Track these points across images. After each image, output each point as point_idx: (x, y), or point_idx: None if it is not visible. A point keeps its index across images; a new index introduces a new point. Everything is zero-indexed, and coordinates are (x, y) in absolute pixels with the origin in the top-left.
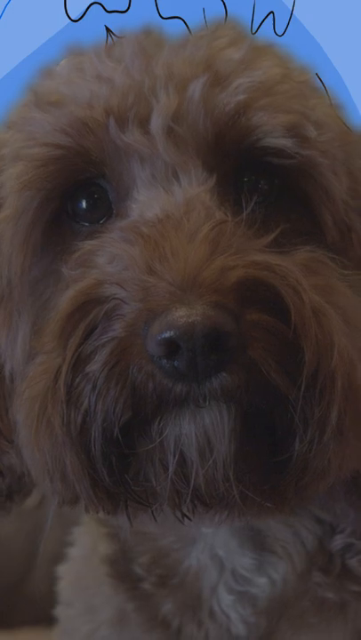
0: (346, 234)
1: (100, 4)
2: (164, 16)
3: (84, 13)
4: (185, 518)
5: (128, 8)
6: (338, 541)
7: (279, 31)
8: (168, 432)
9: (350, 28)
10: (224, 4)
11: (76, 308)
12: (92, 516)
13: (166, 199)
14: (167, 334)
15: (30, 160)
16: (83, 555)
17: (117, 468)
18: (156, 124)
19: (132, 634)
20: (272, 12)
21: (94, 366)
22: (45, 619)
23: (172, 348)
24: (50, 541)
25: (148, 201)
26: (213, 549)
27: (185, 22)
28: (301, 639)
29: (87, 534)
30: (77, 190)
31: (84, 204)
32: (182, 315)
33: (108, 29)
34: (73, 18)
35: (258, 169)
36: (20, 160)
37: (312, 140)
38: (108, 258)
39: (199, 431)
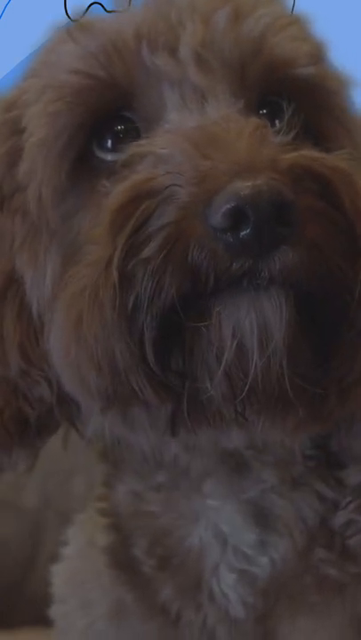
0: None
1: (100, 4)
2: None
3: (84, 13)
4: (239, 417)
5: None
6: (340, 518)
7: None
8: (225, 317)
9: (350, 28)
10: None
11: (127, 201)
12: (92, 505)
13: (200, 118)
14: (233, 203)
15: (59, 87)
16: (77, 551)
17: (167, 353)
18: (185, 50)
19: (131, 626)
20: None
21: (150, 251)
22: (45, 619)
23: (238, 217)
24: (50, 542)
25: (182, 119)
26: (217, 525)
27: None
28: (300, 621)
29: (81, 531)
30: (102, 126)
31: (109, 143)
32: (247, 184)
33: None
34: (73, 18)
35: (275, 98)
36: (47, 90)
37: (329, 68)
38: (154, 160)
39: (258, 317)
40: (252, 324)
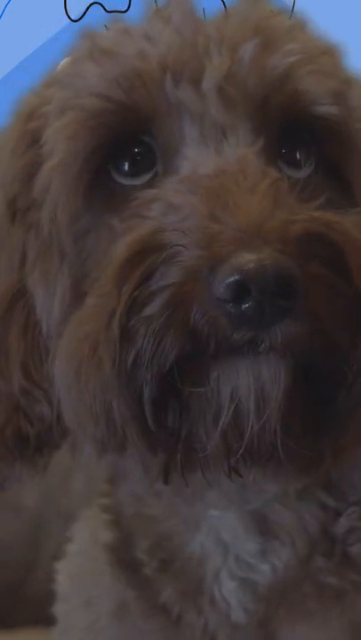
0: None
1: (100, 4)
2: None
3: (84, 13)
4: (233, 473)
5: (128, 8)
6: (342, 526)
7: None
8: (223, 381)
9: (350, 28)
10: (224, 3)
11: (133, 254)
12: (95, 501)
13: (217, 157)
14: (237, 277)
15: (80, 110)
16: (80, 549)
17: (165, 411)
18: (209, 82)
19: (133, 622)
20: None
21: (152, 310)
22: (45, 619)
23: (241, 291)
24: (50, 542)
25: (199, 158)
26: (219, 534)
27: None
28: (299, 627)
29: (85, 528)
30: (120, 148)
31: (126, 166)
32: (252, 258)
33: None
34: (73, 18)
35: (297, 137)
36: (68, 111)
37: (354, 108)
38: (164, 208)
39: (256, 383)
40: (249, 389)
